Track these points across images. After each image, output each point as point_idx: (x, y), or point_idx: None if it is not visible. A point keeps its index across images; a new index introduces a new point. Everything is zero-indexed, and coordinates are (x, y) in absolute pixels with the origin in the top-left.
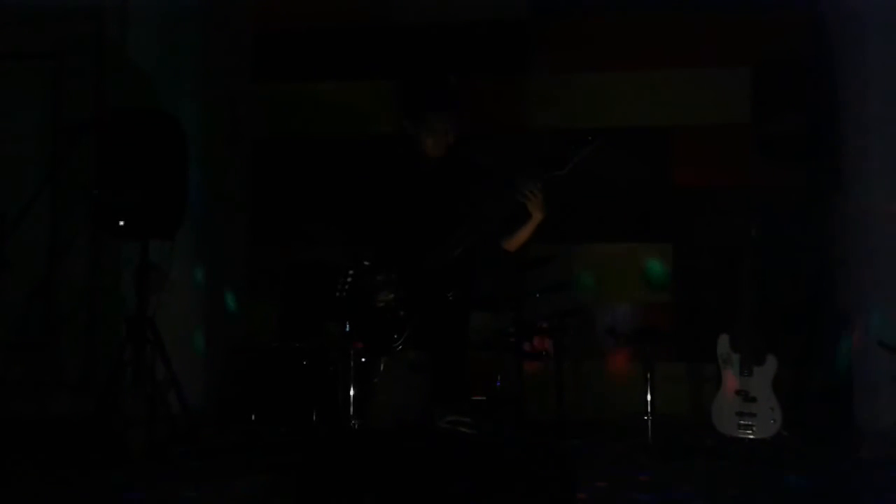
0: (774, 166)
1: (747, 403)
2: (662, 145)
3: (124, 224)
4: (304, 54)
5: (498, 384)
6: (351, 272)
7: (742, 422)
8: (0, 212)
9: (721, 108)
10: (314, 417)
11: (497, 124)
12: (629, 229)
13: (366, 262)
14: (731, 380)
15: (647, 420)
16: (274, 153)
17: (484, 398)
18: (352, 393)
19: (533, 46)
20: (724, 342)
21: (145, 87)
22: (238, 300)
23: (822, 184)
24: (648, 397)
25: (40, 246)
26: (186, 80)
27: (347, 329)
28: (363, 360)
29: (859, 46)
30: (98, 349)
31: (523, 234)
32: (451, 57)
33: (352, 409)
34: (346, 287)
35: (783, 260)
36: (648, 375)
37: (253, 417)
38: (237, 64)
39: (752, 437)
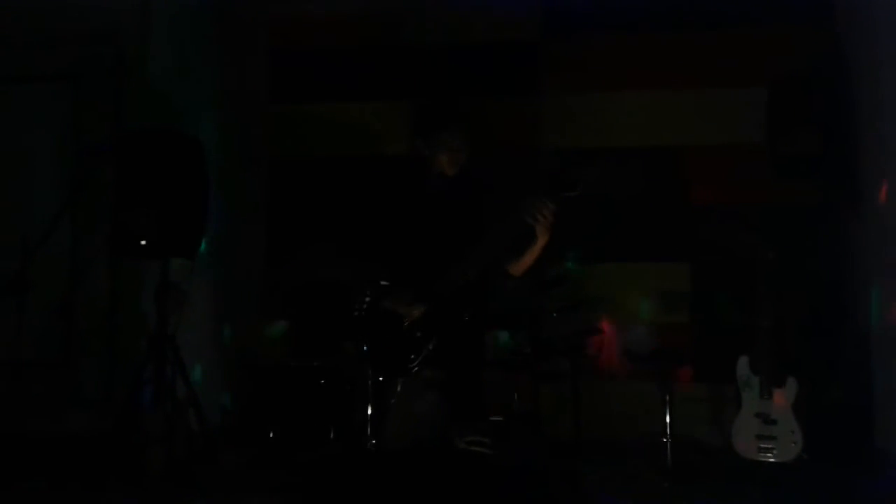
0: (791, 185)
1: (767, 426)
2: (678, 165)
3: (145, 244)
4: (319, 75)
5: (515, 404)
6: (369, 291)
7: (762, 445)
8: (22, 233)
9: (736, 127)
10: (332, 436)
11: (510, 145)
12: (646, 249)
13: (383, 283)
14: (750, 402)
15: (665, 442)
16: (291, 173)
17: (501, 418)
18: (369, 412)
19: (545, 67)
20: (743, 364)
21: (164, 107)
22: (256, 318)
23: (840, 202)
24: (667, 419)
25: (61, 265)
26: (204, 101)
27: (365, 349)
28: (380, 379)
29: (874, 63)
30: (118, 368)
31: (528, 258)
32: (465, 77)
33: (369, 429)
34: (365, 306)
35: (801, 279)
36: (667, 397)
37: (271, 436)
38: (254, 85)
39: (772, 460)
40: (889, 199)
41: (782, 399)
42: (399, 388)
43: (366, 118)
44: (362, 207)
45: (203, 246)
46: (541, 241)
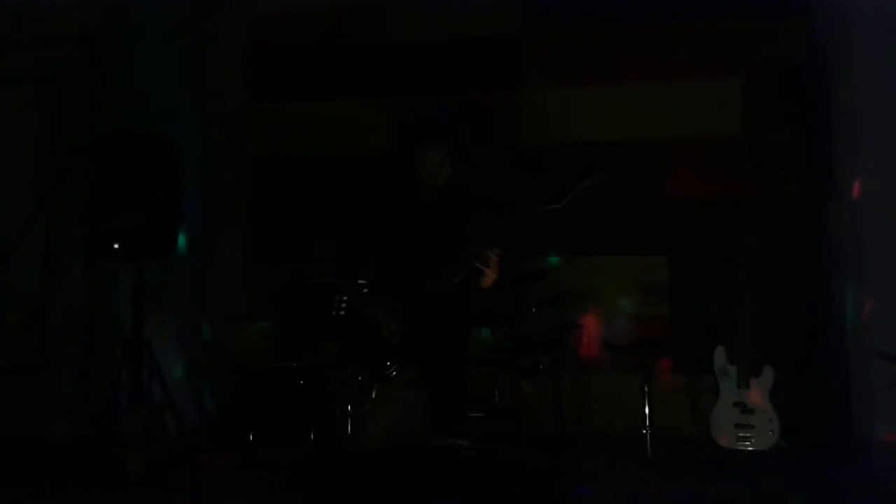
0: (768, 176)
1: (745, 415)
2: (656, 157)
3: (120, 246)
4: (299, 73)
5: (496, 400)
6: (347, 292)
7: (741, 433)
8: None
9: (713, 118)
10: (312, 437)
11: (493, 140)
12: (624, 242)
13: (362, 282)
14: (729, 392)
15: (645, 433)
16: (270, 172)
17: (482, 414)
18: (349, 413)
19: (527, 62)
20: (720, 354)
21: (141, 109)
22: (234, 320)
23: (816, 192)
24: (647, 410)
25: (36, 269)
26: (182, 102)
27: (342, 351)
28: (359, 378)
29: (850, 54)
30: (94, 371)
31: (484, 284)
32: (446, 74)
33: (349, 429)
34: (343, 307)
35: (778, 269)
36: (646, 388)
37: (251, 438)
38: (233, 84)
39: (751, 448)
40: (863, 191)
41: (758, 393)
42: (374, 395)
43: (347, 116)
44: (344, 207)
45: (182, 246)
46: (490, 278)
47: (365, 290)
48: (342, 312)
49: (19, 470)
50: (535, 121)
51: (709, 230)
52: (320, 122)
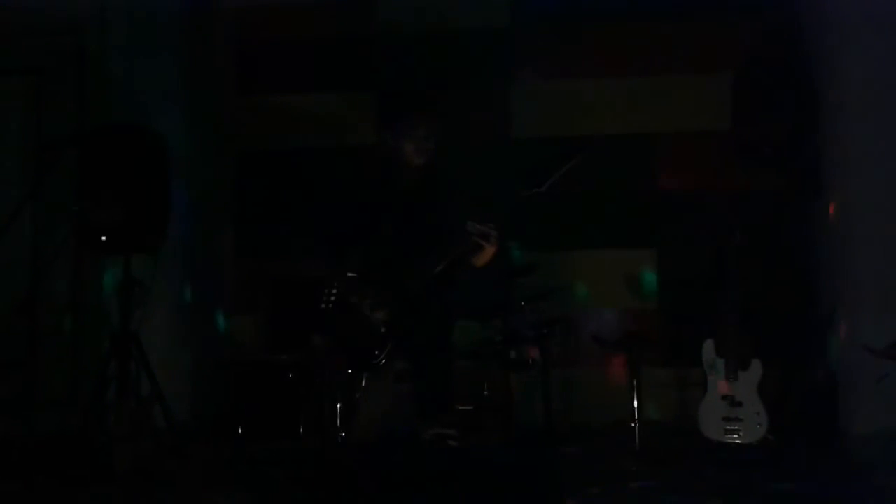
0: (756, 171)
1: (733, 408)
2: (645, 152)
3: (107, 239)
4: (287, 66)
5: (486, 394)
6: (336, 284)
7: (728, 427)
8: None
9: (702, 114)
10: (301, 430)
11: (480, 134)
12: (613, 236)
13: (350, 275)
14: (716, 385)
15: (634, 426)
16: (258, 165)
17: (471, 408)
18: (339, 405)
19: (515, 55)
20: (709, 347)
21: (128, 101)
22: (223, 313)
23: (804, 188)
24: (635, 403)
25: (22, 262)
26: (169, 94)
27: (331, 341)
28: (349, 371)
29: (837, 51)
30: (82, 365)
31: (480, 262)
32: (434, 66)
33: (339, 422)
34: (332, 299)
35: (766, 264)
36: (635, 382)
37: (240, 431)
38: (220, 77)
39: (738, 441)
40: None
41: (746, 387)
42: (364, 383)
43: (335, 109)
44: (330, 199)
45: (170, 239)
46: (488, 252)
47: (353, 281)
48: (332, 305)
49: (5, 466)
50: (522, 115)
51: (698, 225)
52: (307, 114)
